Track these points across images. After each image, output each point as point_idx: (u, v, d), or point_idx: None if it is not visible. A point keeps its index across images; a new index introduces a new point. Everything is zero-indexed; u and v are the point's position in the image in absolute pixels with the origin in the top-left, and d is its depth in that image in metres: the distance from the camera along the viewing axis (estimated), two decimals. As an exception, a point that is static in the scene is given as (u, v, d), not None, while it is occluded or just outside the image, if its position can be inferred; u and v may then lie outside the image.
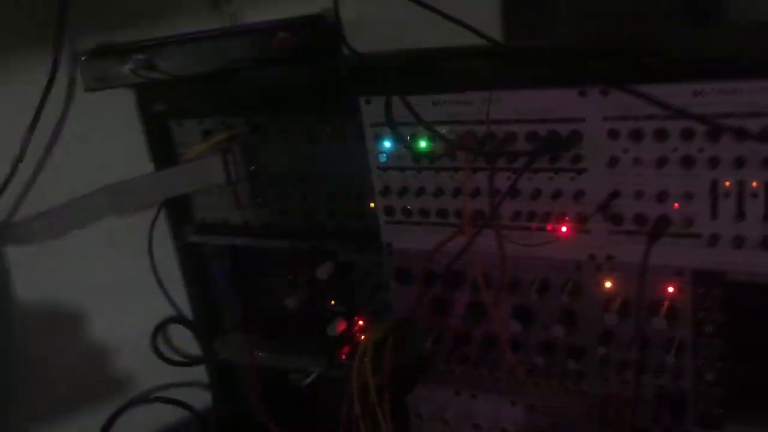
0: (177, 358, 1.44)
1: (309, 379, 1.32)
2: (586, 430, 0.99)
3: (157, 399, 1.43)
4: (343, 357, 1.16)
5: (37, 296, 1.20)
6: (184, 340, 1.45)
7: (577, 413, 0.99)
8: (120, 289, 1.33)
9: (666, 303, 0.89)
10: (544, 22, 1.54)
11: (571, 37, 1.28)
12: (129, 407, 1.40)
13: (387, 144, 1.00)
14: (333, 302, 1.16)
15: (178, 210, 1.24)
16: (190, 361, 1.42)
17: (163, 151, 1.19)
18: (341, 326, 1.14)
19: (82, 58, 1.11)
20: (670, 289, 0.89)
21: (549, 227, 0.93)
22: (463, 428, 1.11)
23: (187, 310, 1.41)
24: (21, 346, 1.20)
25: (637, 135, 0.84)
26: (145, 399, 1.42)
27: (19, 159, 1.09)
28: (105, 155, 1.18)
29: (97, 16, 1.18)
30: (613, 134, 0.85)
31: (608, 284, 0.92)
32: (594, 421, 0.98)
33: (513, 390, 1.03)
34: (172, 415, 1.46)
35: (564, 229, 0.92)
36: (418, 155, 0.98)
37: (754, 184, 0.80)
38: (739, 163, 0.79)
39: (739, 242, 0.82)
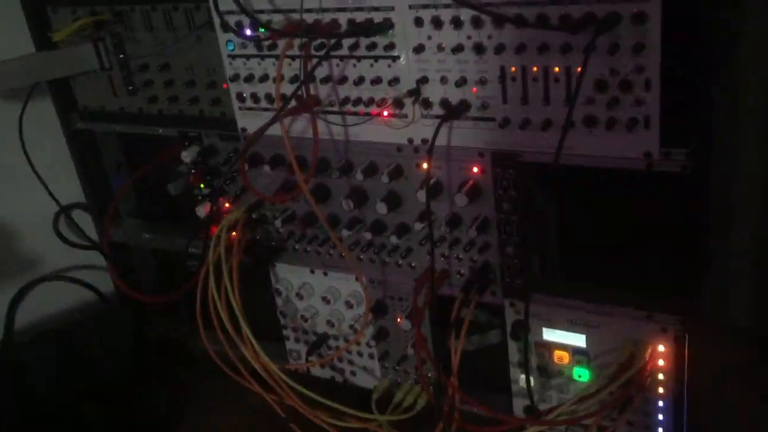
0: (80, 241, 1.53)
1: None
2: (416, 300, 1.08)
3: (63, 279, 1.53)
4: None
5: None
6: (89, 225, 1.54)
7: (410, 286, 1.08)
8: (23, 175, 1.40)
9: (470, 182, 0.97)
10: None
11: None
12: (35, 285, 1.50)
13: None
14: (203, 186, 1.23)
15: (63, 97, 1.31)
16: (91, 245, 1.52)
17: (44, 38, 1.24)
18: (207, 208, 1.22)
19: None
20: (475, 170, 0.96)
21: (373, 112, 1.00)
22: (314, 302, 1.21)
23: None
24: None
25: (437, 22, 0.89)
26: (49, 279, 1.52)
27: None
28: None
29: None
30: (419, 22, 0.91)
31: (425, 165, 0.99)
32: (422, 293, 1.07)
33: (356, 267, 1.12)
34: (79, 295, 1.56)
35: (385, 113, 0.99)
36: (260, 43, 1.04)
37: (535, 68, 0.86)
38: (521, 48, 0.85)
39: (525, 124, 0.89)
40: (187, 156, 1.19)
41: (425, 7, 0.90)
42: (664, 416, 0.97)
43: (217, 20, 1.04)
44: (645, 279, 0.92)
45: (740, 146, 1.05)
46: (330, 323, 1.20)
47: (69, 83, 1.29)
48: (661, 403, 0.96)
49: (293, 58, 1.02)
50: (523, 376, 1.01)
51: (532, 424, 0.99)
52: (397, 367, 1.19)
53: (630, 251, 0.94)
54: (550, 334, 1.01)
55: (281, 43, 1.00)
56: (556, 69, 0.85)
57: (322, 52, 0.97)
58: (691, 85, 0.80)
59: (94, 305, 1.56)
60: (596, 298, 0.96)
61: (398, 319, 1.13)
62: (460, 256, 1.03)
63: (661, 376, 0.95)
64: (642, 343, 0.94)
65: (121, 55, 1.19)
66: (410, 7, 0.91)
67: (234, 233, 1.14)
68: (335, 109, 1.02)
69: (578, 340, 0.99)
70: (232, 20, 1.03)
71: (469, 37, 0.88)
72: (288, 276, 1.22)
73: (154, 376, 1.42)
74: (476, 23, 0.87)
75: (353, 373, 1.25)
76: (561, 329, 1.00)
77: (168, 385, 1.39)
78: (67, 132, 1.35)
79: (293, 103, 1.01)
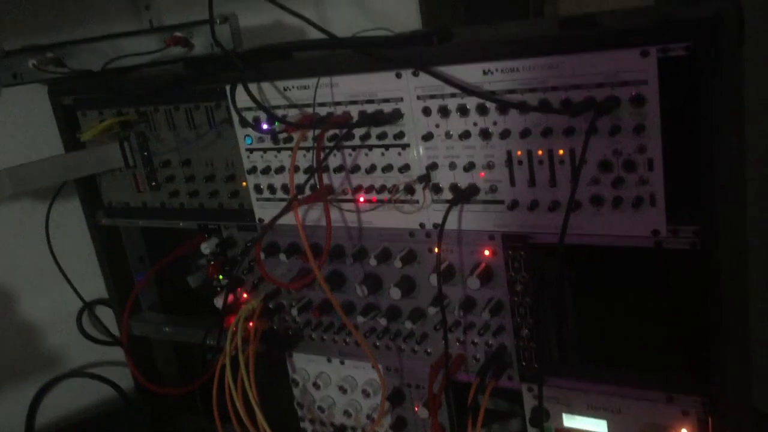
0: (102, 337, 1.55)
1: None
2: (432, 387, 1.07)
3: (84, 375, 1.54)
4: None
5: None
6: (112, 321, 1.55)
7: (426, 373, 1.07)
8: (48, 272, 1.44)
9: (482, 265, 0.98)
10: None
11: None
12: (57, 383, 1.51)
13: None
14: (221, 277, 1.25)
15: (89, 194, 1.35)
16: (113, 341, 1.53)
17: (72, 138, 1.30)
18: (228, 298, 1.23)
19: (-1, 58, 1.23)
20: (486, 253, 0.97)
21: (385, 199, 1.02)
22: (331, 391, 1.20)
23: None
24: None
25: (444, 111, 0.93)
26: (71, 376, 1.53)
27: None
28: (20, 145, 1.31)
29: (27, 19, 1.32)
30: (427, 111, 0.94)
31: (437, 250, 1.00)
32: (437, 379, 1.06)
33: (372, 354, 1.12)
34: (99, 392, 1.56)
35: (395, 199, 1.01)
36: (276, 136, 1.08)
37: (540, 152, 0.88)
38: (525, 133, 0.88)
39: (533, 206, 0.91)
40: (206, 248, 1.21)
41: (432, 96, 0.93)
42: (693, 505, 0.93)
43: (235, 117, 1.09)
44: (662, 359, 0.91)
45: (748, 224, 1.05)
46: (347, 413, 1.18)
47: (95, 180, 1.34)
48: (689, 491, 0.93)
49: (308, 149, 1.05)
50: (544, 465, 0.99)
51: None
52: (416, 459, 1.16)
53: (646, 331, 0.93)
54: (570, 421, 0.99)
55: (296, 135, 1.04)
56: (561, 151, 0.87)
57: (334, 143, 1.01)
58: (694, 164, 0.81)
59: (113, 401, 1.56)
60: (614, 381, 0.95)
61: (416, 408, 1.11)
62: (475, 341, 1.02)
63: (687, 463, 0.92)
64: (664, 428, 0.91)
65: (145, 153, 1.24)
66: (418, 97, 0.94)
67: (251, 323, 1.14)
68: (348, 197, 1.05)
69: (599, 426, 0.97)
70: (249, 116, 1.08)
71: (475, 124, 0.92)
72: (305, 365, 1.22)
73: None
74: (481, 110, 0.90)
75: (372, 466, 1.22)
76: (581, 415, 0.98)
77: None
78: (92, 228, 1.39)
79: (308, 191, 1.04)
